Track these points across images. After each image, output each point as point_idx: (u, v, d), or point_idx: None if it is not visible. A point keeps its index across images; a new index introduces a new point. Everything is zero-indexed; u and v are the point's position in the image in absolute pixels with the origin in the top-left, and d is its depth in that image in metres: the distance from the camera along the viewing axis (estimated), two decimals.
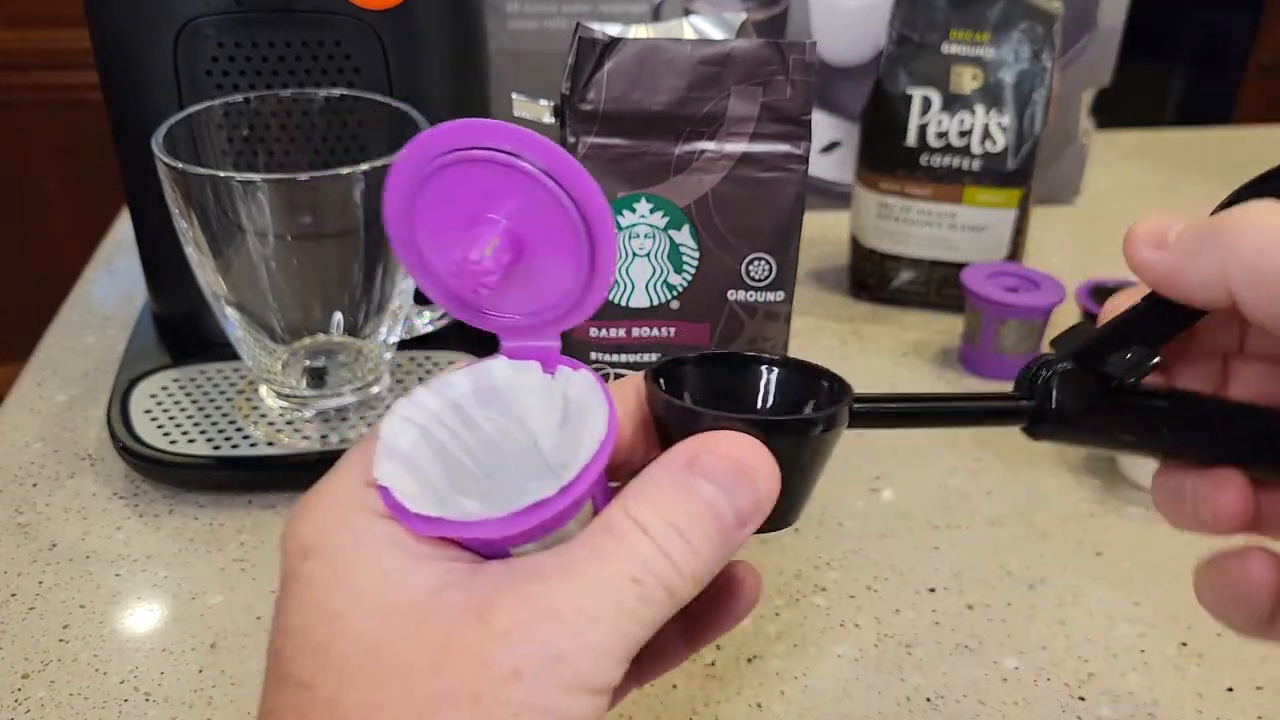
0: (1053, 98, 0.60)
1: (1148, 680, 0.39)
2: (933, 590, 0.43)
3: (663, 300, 0.40)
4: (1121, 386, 0.28)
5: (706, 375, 0.26)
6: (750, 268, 0.39)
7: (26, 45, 1.38)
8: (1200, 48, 1.84)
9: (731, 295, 0.40)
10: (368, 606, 0.21)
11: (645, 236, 0.39)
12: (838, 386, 0.25)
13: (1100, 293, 0.57)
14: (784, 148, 0.38)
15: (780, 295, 0.40)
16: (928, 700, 0.38)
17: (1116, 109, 0.85)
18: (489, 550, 0.23)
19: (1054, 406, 0.27)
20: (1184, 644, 0.41)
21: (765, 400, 0.26)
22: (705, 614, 0.27)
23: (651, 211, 0.39)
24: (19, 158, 1.44)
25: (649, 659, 0.27)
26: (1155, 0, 0.91)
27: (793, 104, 0.38)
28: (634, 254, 0.39)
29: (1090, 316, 0.55)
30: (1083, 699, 0.38)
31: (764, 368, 0.26)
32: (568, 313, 0.24)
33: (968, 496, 0.49)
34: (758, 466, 0.22)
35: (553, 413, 0.24)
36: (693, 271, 0.39)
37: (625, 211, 0.39)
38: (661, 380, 0.25)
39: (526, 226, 0.23)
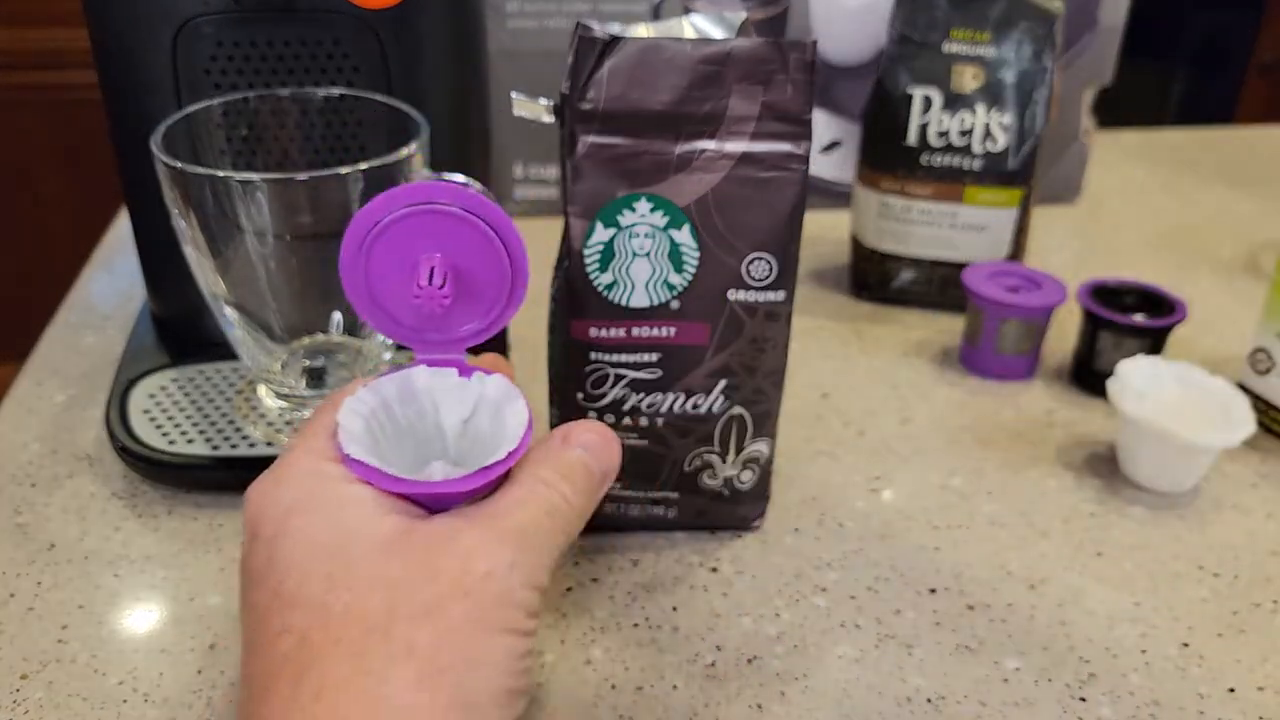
0: (1054, 97, 0.60)
1: (1149, 681, 0.39)
2: (933, 591, 0.43)
3: (663, 300, 0.40)
4: None
5: None
6: (751, 267, 0.39)
7: (25, 45, 1.38)
8: (1201, 47, 1.84)
9: (732, 295, 0.40)
10: (362, 540, 0.28)
11: (645, 236, 0.39)
12: None
13: (1102, 292, 0.57)
14: (785, 147, 0.38)
15: (781, 295, 0.40)
16: (928, 701, 0.38)
17: (1118, 108, 0.85)
18: (437, 505, 0.30)
19: None
20: (1185, 644, 0.41)
21: None
22: None
23: (652, 211, 0.39)
24: (17, 157, 1.44)
25: None
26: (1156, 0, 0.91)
27: (793, 103, 0.38)
28: (634, 254, 0.39)
29: (1092, 317, 0.55)
30: (1084, 700, 0.38)
31: None
32: (499, 318, 0.32)
33: (968, 497, 0.48)
34: (612, 438, 0.34)
35: (462, 409, 0.33)
36: (693, 271, 0.39)
37: (625, 211, 0.39)
38: None
39: (460, 256, 0.31)
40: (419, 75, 0.50)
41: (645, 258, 0.39)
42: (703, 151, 0.38)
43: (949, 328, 0.62)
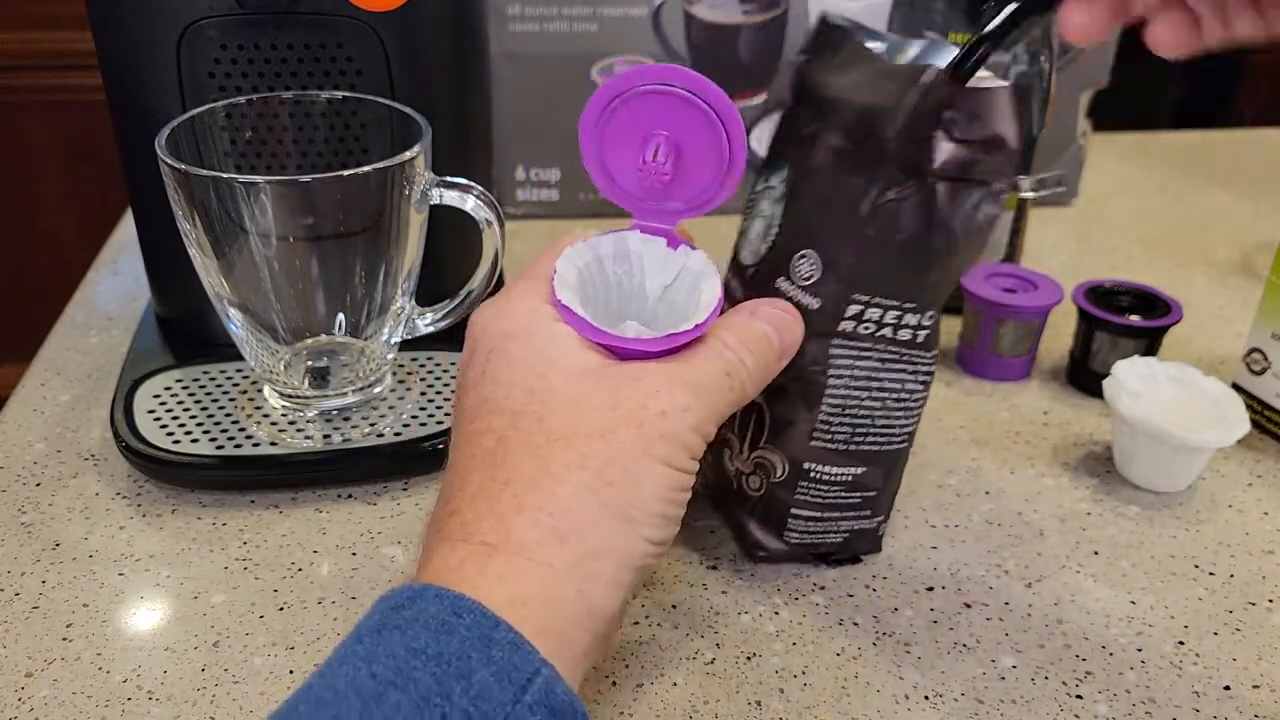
0: (1050, 99, 0.60)
1: (1145, 679, 0.39)
2: (930, 589, 0.43)
3: (750, 263, 0.40)
4: None
5: None
6: (799, 262, 0.39)
7: (30, 47, 1.38)
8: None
9: (779, 283, 0.39)
10: (562, 368, 0.33)
11: (773, 200, 0.40)
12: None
13: (1097, 293, 0.57)
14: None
15: (817, 302, 0.38)
16: (925, 699, 0.38)
17: (1114, 110, 0.85)
18: (627, 357, 0.34)
19: None
20: (1181, 643, 0.41)
21: None
22: None
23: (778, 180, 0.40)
24: (23, 159, 1.44)
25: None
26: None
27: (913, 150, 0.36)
28: (758, 214, 0.40)
29: (1088, 317, 0.56)
30: (1080, 697, 0.38)
31: None
32: (714, 198, 0.35)
33: (965, 496, 0.49)
34: (796, 317, 0.37)
35: (666, 275, 0.36)
36: (770, 245, 0.40)
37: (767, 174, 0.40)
38: None
39: (683, 135, 0.34)
40: (421, 78, 0.50)
41: (760, 218, 0.41)
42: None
43: (946, 328, 0.63)
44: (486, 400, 0.33)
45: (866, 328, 0.38)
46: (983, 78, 0.37)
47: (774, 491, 0.42)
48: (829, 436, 0.40)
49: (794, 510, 0.41)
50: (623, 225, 0.36)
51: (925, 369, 0.40)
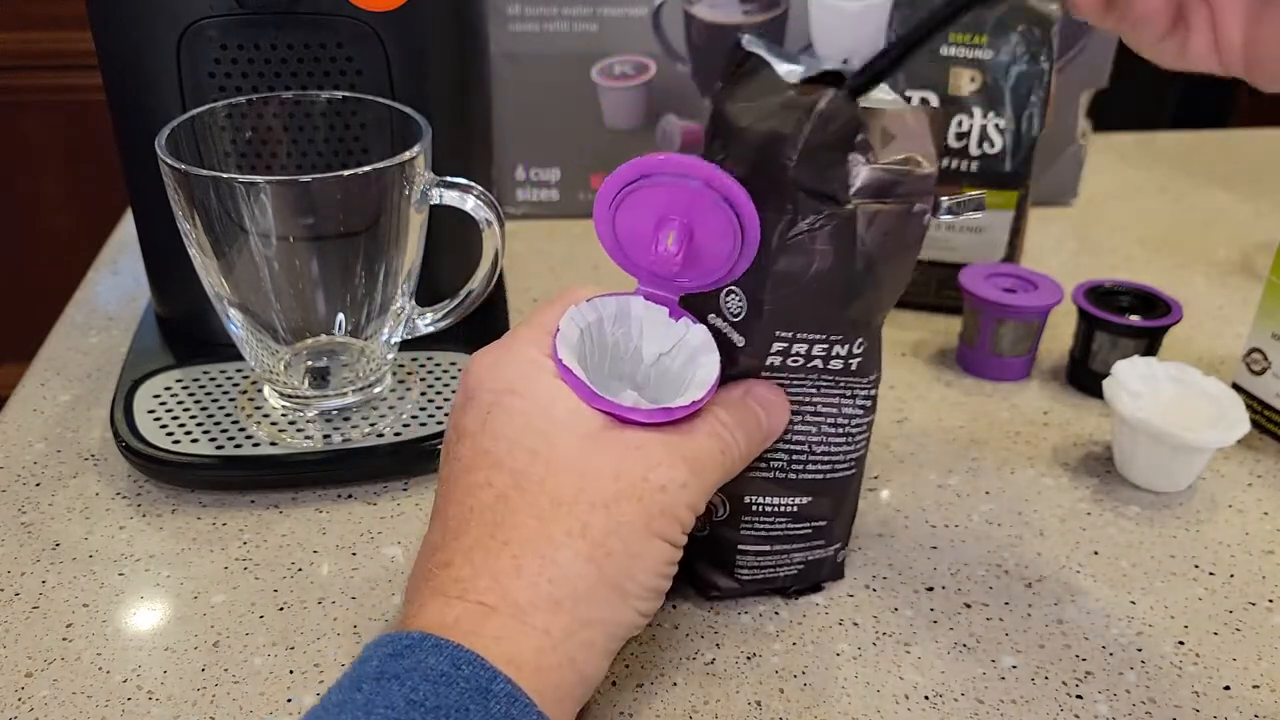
0: (1050, 100, 0.60)
1: (1145, 679, 0.39)
2: (930, 589, 0.43)
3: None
4: None
5: None
6: (727, 299, 0.37)
7: (30, 47, 1.38)
8: None
9: (711, 319, 0.38)
10: (564, 429, 0.33)
11: None
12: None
13: (1097, 293, 0.57)
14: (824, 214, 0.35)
15: (741, 340, 0.37)
16: (926, 699, 0.38)
17: (1114, 111, 0.85)
18: (625, 423, 0.34)
19: None
20: (1181, 643, 0.41)
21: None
22: None
23: None
24: (22, 159, 1.44)
25: None
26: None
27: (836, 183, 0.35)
28: None
29: (1088, 317, 0.56)
30: (1080, 697, 0.38)
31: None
32: (725, 278, 0.36)
33: (965, 496, 0.49)
34: (785, 402, 0.37)
35: (663, 344, 0.37)
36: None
37: None
38: None
39: (696, 222, 0.34)
40: (421, 78, 0.50)
41: None
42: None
43: (946, 328, 0.63)
44: (487, 453, 0.33)
45: (795, 361, 0.37)
46: (886, 99, 0.36)
47: (718, 531, 0.40)
48: (764, 466, 0.39)
49: (741, 547, 0.40)
50: (627, 288, 0.37)
51: (864, 394, 0.39)
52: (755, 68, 0.37)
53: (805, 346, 0.37)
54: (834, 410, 0.39)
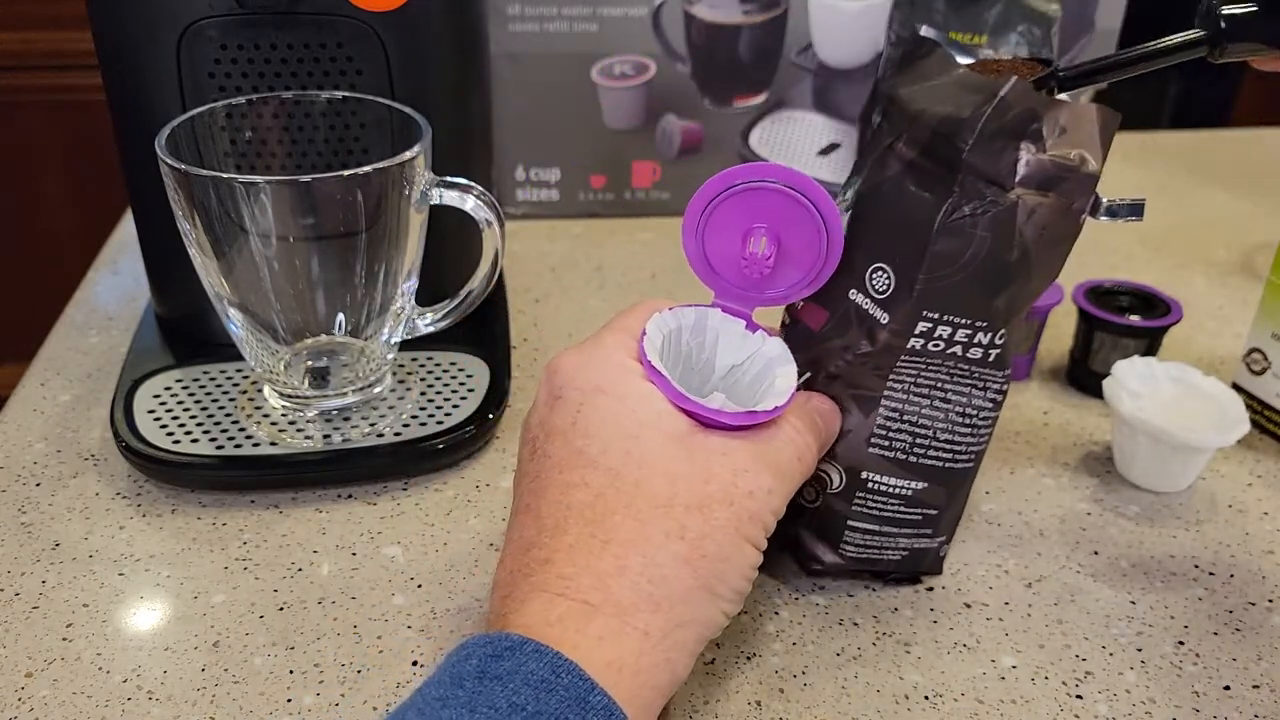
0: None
1: (1145, 679, 0.39)
2: (930, 589, 0.43)
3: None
4: None
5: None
6: (873, 276, 0.38)
7: (30, 47, 1.38)
8: None
9: (852, 295, 0.38)
10: (654, 431, 0.34)
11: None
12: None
13: (1097, 293, 0.57)
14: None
15: (885, 317, 0.37)
16: (926, 699, 0.38)
17: (1114, 111, 0.85)
18: (708, 426, 0.35)
19: (1223, 27, 0.35)
20: (1181, 643, 0.41)
21: None
22: None
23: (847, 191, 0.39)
24: (22, 159, 1.44)
25: None
26: (1153, 1, 0.91)
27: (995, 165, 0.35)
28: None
29: (1088, 317, 0.56)
30: (1080, 697, 0.38)
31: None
32: (810, 284, 0.37)
33: None
34: (838, 413, 0.39)
35: (737, 356, 0.38)
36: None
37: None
38: None
39: (783, 230, 0.36)
40: (421, 78, 0.50)
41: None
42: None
43: None
44: (581, 452, 0.34)
45: (936, 345, 0.37)
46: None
47: (830, 503, 0.41)
48: (886, 444, 0.39)
49: (850, 522, 0.41)
50: (704, 301, 0.38)
51: (996, 388, 0.39)
52: (929, 52, 0.38)
53: (949, 330, 0.37)
54: (964, 399, 0.39)
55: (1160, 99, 1.85)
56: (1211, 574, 0.44)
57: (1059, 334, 0.60)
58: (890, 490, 0.40)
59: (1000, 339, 0.38)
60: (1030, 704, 0.38)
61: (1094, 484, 0.50)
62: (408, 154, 0.43)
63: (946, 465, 0.40)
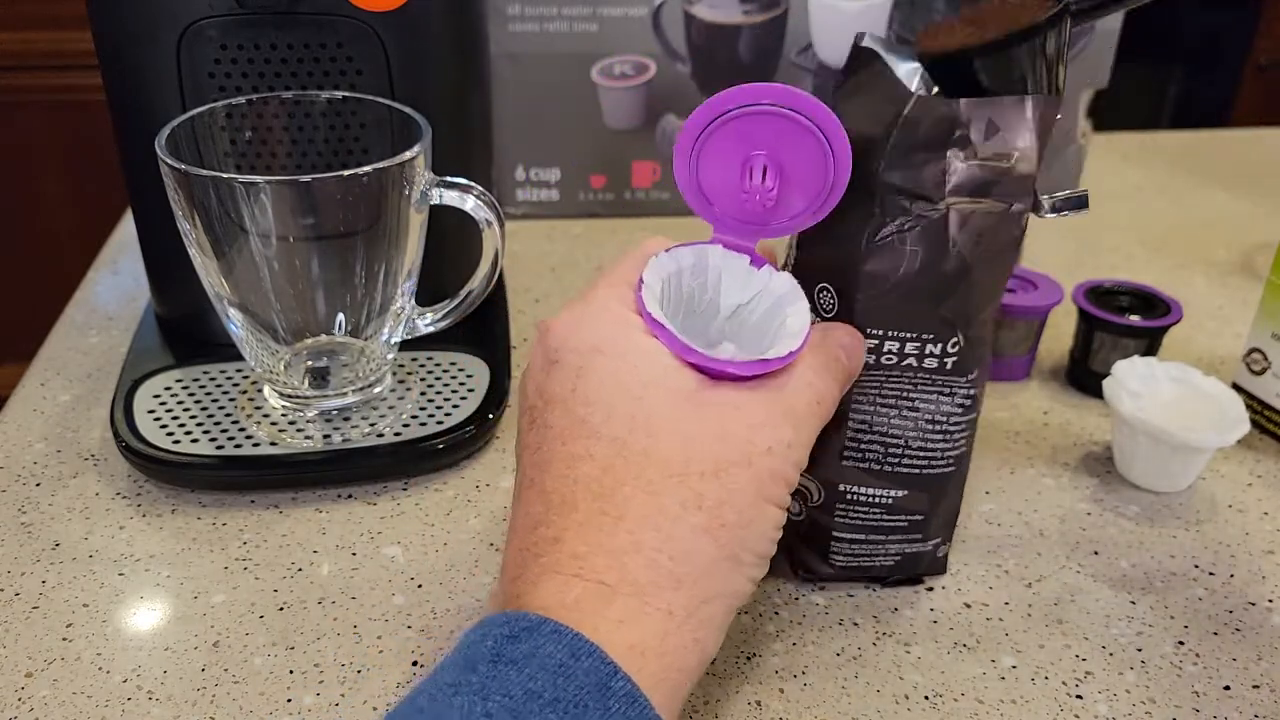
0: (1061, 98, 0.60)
1: (1145, 679, 0.39)
2: (930, 589, 0.43)
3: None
4: None
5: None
6: (819, 296, 0.38)
7: (30, 47, 1.38)
8: (1198, 49, 1.84)
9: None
10: (659, 390, 0.31)
11: None
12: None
13: (1098, 293, 0.57)
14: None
15: None
16: (926, 699, 0.38)
17: (1114, 110, 0.85)
18: (716, 377, 0.32)
19: None
20: (1181, 643, 0.41)
21: None
22: None
23: None
24: (22, 159, 1.44)
25: None
26: (1153, 1, 0.91)
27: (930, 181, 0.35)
28: None
29: (1088, 317, 0.56)
30: (1080, 698, 0.38)
31: None
32: (816, 213, 0.34)
33: (965, 496, 0.49)
34: (861, 342, 0.36)
35: (743, 294, 0.35)
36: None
37: None
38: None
39: (785, 157, 0.33)
40: (421, 78, 0.50)
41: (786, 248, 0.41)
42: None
43: None
44: (584, 422, 0.31)
45: (889, 359, 0.37)
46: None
47: (814, 516, 0.41)
48: (859, 455, 0.39)
49: (835, 534, 0.41)
50: (702, 237, 0.36)
51: (964, 393, 0.39)
52: (867, 63, 0.37)
53: (898, 345, 0.37)
54: (932, 407, 0.38)
55: (1160, 99, 1.85)
56: (1211, 574, 0.44)
57: (1059, 334, 0.60)
58: (870, 500, 0.40)
59: (954, 346, 0.37)
60: (1030, 704, 0.38)
61: (1094, 484, 0.50)
62: (408, 154, 0.43)
63: (923, 471, 0.40)
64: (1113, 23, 0.73)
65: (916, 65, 0.37)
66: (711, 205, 0.34)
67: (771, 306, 0.35)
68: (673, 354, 0.32)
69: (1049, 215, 0.36)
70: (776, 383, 0.33)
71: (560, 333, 0.33)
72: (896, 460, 0.39)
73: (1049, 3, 0.35)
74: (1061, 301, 0.56)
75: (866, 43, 0.37)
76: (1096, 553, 0.45)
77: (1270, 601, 0.43)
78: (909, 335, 0.37)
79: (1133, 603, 0.43)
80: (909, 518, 0.41)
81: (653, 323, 0.33)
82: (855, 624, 0.41)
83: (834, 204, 0.34)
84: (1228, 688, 0.39)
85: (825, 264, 0.37)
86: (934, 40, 0.36)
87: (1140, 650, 0.40)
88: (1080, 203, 0.36)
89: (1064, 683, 0.39)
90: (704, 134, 0.33)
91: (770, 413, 0.32)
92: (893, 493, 0.40)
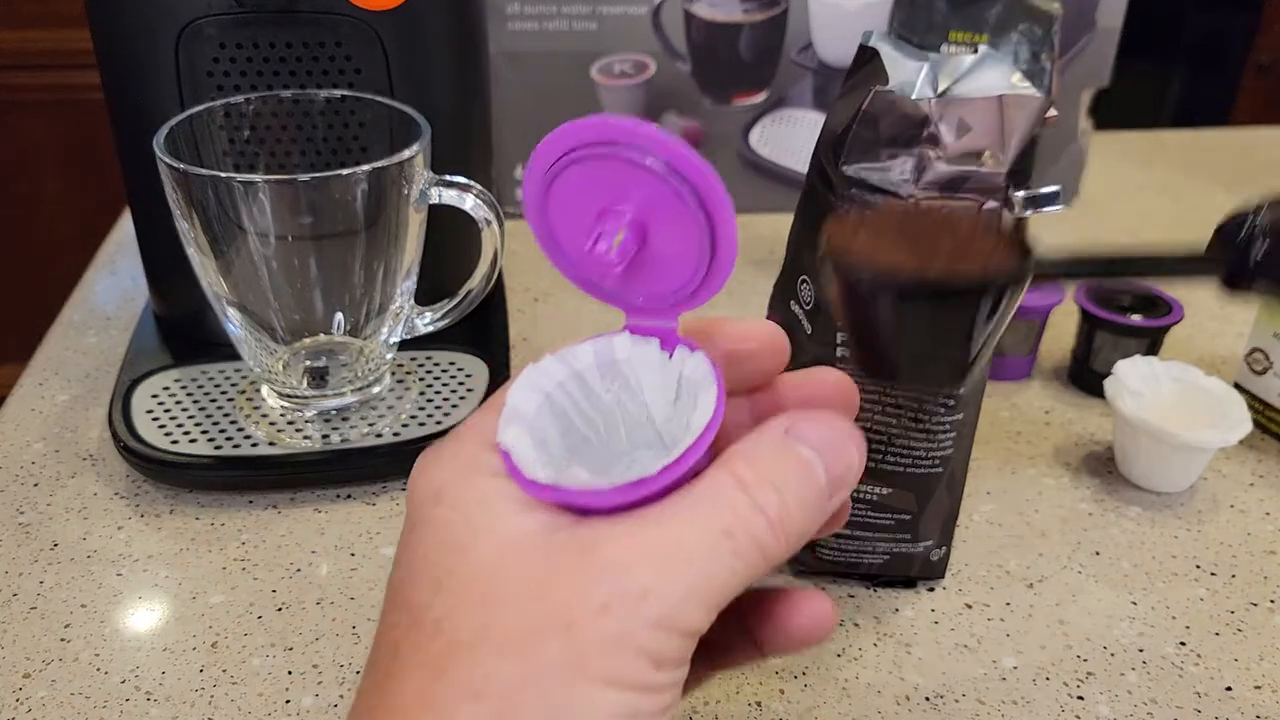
0: (1051, 98, 0.60)
1: (1146, 680, 0.39)
2: (931, 590, 0.43)
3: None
4: None
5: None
6: (801, 288, 0.38)
7: (28, 46, 1.38)
8: (1199, 48, 1.84)
9: (793, 305, 0.39)
10: (487, 541, 0.24)
11: None
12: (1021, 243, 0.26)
13: (1099, 293, 0.57)
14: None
15: (809, 329, 0.38)
16: (927, 699, 0.38)
17: (1115, 110, 0.85)
18: (587, 513, 0.24)
19: (1258, 259, 0.27)
20: (1182, 643, 0.41)
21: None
22: (763, 623, 0.28)
23: None
24: (21, 158, 1.44)
25: (719, 653, 0.29)
26: (1154, 1, 0.91)
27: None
28: None
29: (1089, 317, 0.55)
30: (1081, 698, 0.38)
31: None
32: (689, 298, 0.25)
33: (966, 495, 0.49)
34: (851, 435, 0.25)
35: (668, 389, 0.26)
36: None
37: None
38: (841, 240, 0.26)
39: (651, 217, 0.24)
40: (420, 77, 0.50)
41: None
42: None
43: None
44: (397, 588, 0.25)
45: None
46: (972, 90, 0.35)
47: None
48: None
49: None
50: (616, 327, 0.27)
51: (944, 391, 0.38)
52: (868, 63, 0.37)
53: None
54: (914, 405, 0.38)
55: (1162, 98, 1.85)
56: (1213, 574, 0.44)
57: (1060, 334, 0.60)
58: (855, 495, 0.40)
59: None
60: (1031, 705, 0.38)
61: (1095, 484, 0.50)
62: (407, 153, 0.43)
63: (909, 470, 0.40)
64: (1114, 21, 0.73)
65: (920, 64, 0.37)
66: (571, 263, 0.26)
67: (687, 401, 0.26)
68: (524, 491, 0.24)
69: (1027, 213, 0.36)
70: (656, 511, 0.23)
71: (413, 480, 0.26)
72: (880, 456, 0.39)
73: (1009, 246, 0.27)
74: (1063, 301, 0.56)
75: (872, 42, 0.37)
76: (1098, 553, 0.45)
77: (1272, 601, 0.43)
78: None
79: (1134, 603, 0.43)
80: (896, 516, 0.41)
81: (502, 453, 0.25)
82: (856, 624, 0.41)
83: (713, 291, 0.25)
84: (1230, 688, 0.39)
85: (806, 257, 0.37)
86: (851, 240, 0.27)
87: (1142, 650, 0.40)
88: (1053, 200, 0.36)
89: (1065, 683, 0.39)
90: (553, 171, 0.24)
91: (627, 553, 0.23)
92: (878, 489, 0.40)
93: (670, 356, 0.26)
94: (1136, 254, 0.28)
